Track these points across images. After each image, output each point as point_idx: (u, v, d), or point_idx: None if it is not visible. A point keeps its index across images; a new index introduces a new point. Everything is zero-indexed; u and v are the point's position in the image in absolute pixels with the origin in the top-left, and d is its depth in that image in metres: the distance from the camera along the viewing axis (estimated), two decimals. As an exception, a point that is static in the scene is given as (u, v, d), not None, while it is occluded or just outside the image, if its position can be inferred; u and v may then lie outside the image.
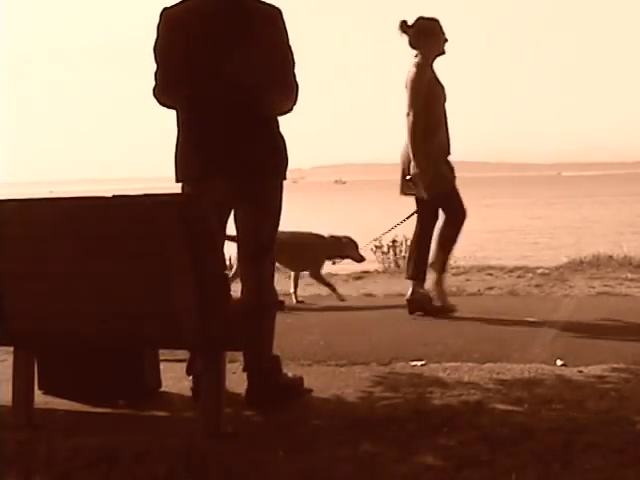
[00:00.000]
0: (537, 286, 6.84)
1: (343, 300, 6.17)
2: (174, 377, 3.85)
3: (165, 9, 3.35)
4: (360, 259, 6.55)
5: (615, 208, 39.38)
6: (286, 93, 3.37)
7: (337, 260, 6.56)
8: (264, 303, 3.42)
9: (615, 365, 3.93)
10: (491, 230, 24.81)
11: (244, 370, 3.49)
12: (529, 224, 29.52)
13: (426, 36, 5.42)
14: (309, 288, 6.74)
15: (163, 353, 3.73)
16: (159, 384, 3.68)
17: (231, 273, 5.16)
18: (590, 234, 22.89)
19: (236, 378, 3.66)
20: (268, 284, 3.48)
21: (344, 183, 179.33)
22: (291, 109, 3.43)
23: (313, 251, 6.31)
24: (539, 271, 7.77)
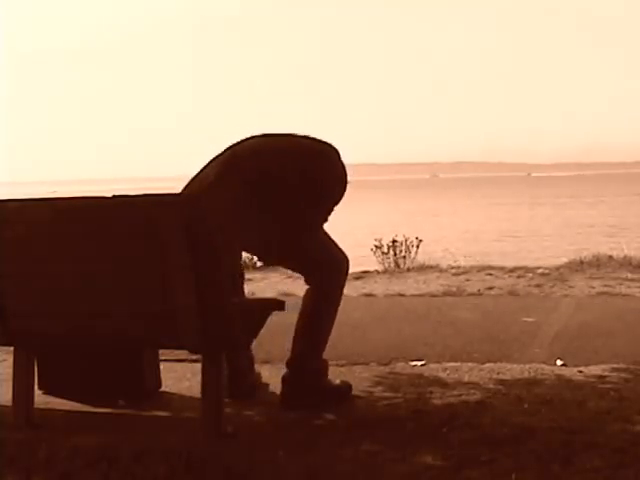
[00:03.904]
0: (537, 286, 6.85)
1: None
2: (174, 377, 3.85)
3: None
4: None
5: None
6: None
7: None
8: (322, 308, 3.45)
9: (615, 365, 3.93)
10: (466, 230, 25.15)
11: (287, 365, 3.44)
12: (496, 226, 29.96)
13: None
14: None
15: (163, 353, 3.73)
16: (159, 384, 3.68)
17: None
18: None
19: (236, 378, 3.65)
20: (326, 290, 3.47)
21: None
22: None
23: None
24: (539, 271, 7.78)
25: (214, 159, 3.46)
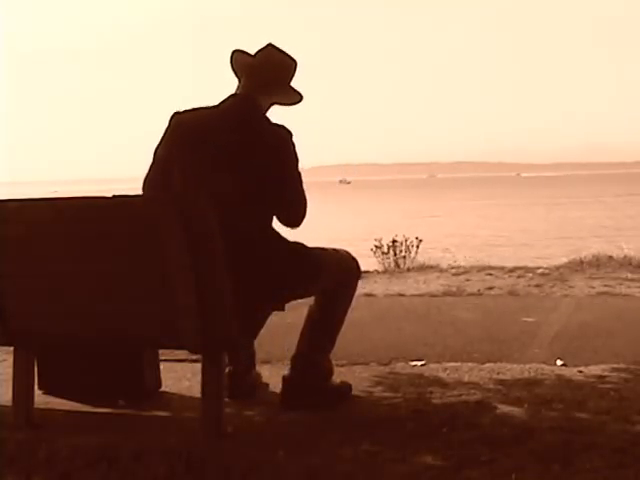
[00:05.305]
0: (537, 286, 6.85)
1: None
2: (174, 377, 3.85)
3: (176, 113, 3.28)
4: None
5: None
6: (291, 221, 3.30)
7: None
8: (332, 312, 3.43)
9: (615, 365, 3.93)
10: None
11: (292, 360, 3.41)
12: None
13: None
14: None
15: (163, 353, 3.73)
16: (159, 384, 3.68)
17: None
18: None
19: (236, 378, 3.65)
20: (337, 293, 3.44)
21: (349, 183, 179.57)
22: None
23: None
24: (539, 271, 7.78)
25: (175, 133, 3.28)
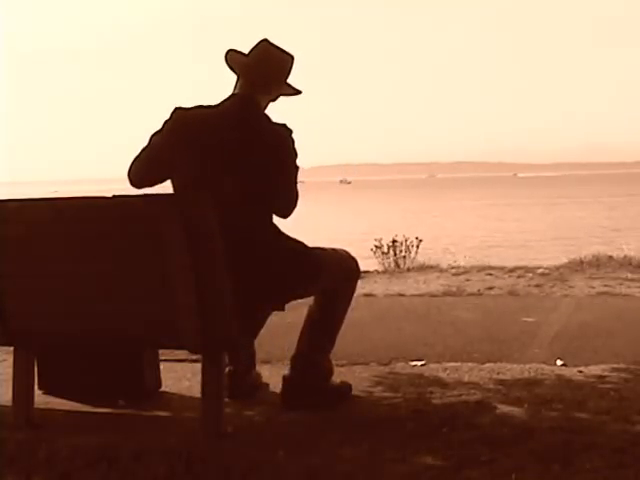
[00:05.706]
0: (537, 286, 6.85)
1: None
2: (174, 377, 3.85)
3: (178, 109, 3.26)
4: None
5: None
6: (283, 213, 3.30)
7: None
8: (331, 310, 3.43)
9: (615, 365, 3.93)
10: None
11: (292, 360, 3.41)
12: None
13: None
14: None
15: (163, 353, 3.73)
16: (159, 384, 3.68)
17: None
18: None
19: (236, 378, 3.65)
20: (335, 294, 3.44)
21: (349, 183, 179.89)
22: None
23: None
24: (539, 271, 7.78)
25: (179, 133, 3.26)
